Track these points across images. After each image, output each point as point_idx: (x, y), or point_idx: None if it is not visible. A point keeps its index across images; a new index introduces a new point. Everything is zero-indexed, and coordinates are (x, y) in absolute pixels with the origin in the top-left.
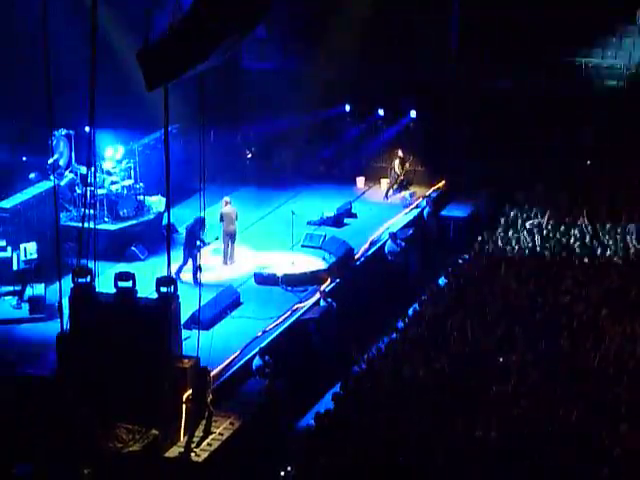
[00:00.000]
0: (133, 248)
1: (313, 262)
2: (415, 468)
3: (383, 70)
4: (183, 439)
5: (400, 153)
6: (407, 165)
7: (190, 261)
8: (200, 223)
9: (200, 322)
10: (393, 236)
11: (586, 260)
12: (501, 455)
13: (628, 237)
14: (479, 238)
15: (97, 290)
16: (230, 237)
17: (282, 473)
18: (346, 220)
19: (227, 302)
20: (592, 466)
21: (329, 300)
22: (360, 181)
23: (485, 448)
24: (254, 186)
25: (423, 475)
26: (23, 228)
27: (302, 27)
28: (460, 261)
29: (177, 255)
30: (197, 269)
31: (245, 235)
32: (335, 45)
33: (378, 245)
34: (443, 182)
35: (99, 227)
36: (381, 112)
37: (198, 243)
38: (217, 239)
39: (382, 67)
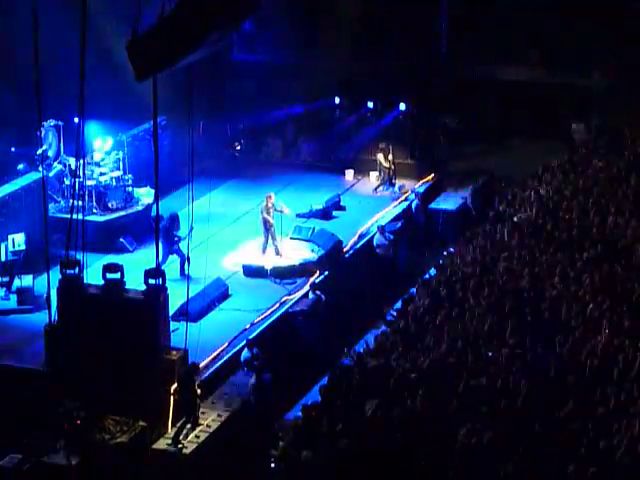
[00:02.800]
0: (121, 240)
1: (302, 254)
2: (402, 460)
3: (373, 62)
4: (171, 431)
5: (383, 146)
6: (390, 157)
7: (173, 256)
8: (174, 220)
9: (188, 314)
10: (381, 229)
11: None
12: (488, 449)
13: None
14: (467, 231)
15: (85, 281)
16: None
17: (272, 465)
18: (335, 213)
19: (215, 294)
20: (580, 466)
21: (318, 293)
22: (349, 174)
23: (474, 441)
24: (243, 178)
25: (410, 467)
26: (11, 219)
27: (293, 20)
28: (448, 254)
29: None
30: (184, 261)
31: (233, 228)
32: (325, 37)
33: (367, 238)
34: (432, 175)
35: (87, 218)
36: (371, 105)
37: (175, 239)
38: (192, 229)
39: (372, 59)
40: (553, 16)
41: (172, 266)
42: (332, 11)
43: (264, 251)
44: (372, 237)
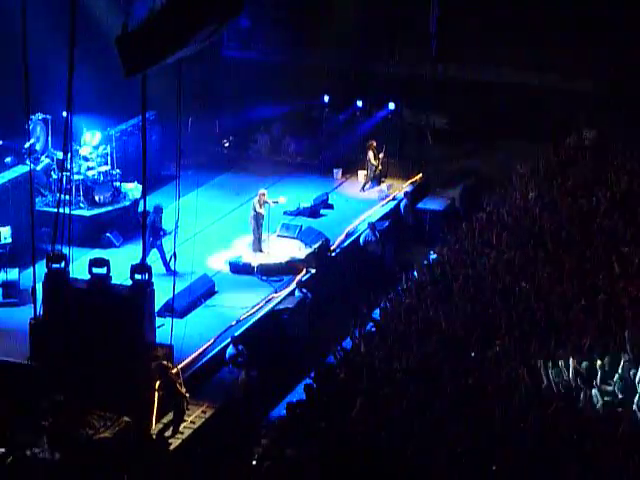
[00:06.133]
0: (108, 234)
1: (289, 252)
2: (386, 458)
3: (362, 61)
4: (155, 427)
5: (373, 143)
6: (381, 155)
7: (154, 251)
8: (158, 212)
9: (174, 310)
10: (372, 226)
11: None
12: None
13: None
14: (454, 231)
15: (71, 276)
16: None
17: (254, 462)
18: (322, 211)
19: (201, 290)
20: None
21: (304, 291)
22: (337, 172)
23: (459, 438)
24: (231, 175)
25: (394, 465)
26: None
27: (283, 17)
28: (435, 254)
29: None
30: (171, 257)
31: (221, 224)
32: (315, 36)
33: (354, 237)
34: (420, 175)
35: (74, 213)
36: (360, 103)
37: (161, 233)
38: (177, 225)
39: (362, 58)
40: (543, 18)
41: (158, 262)
42: (322, 10)
43: (256, 249)
44: (359, 235)
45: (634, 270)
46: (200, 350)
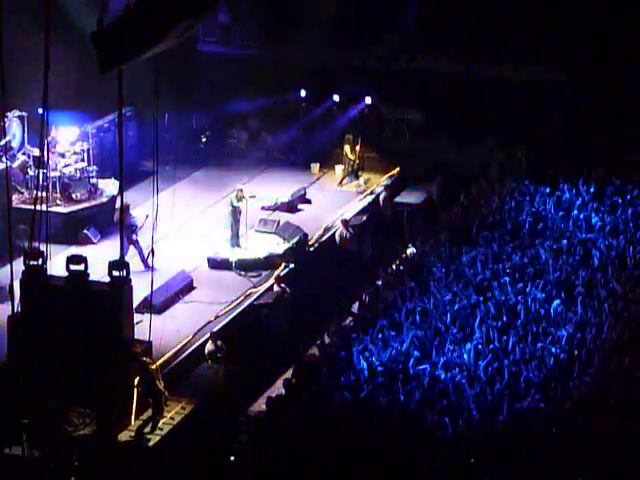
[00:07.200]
0: (86, 231)
1: (267, 247)
2: (366, 454)
3: (339, 56)
4: (134, 423)
5: (350, 138)
6: (357, 149)
7: (131, 248)
8: (127, 209)
9: (152, 306)
10: (345, 222)
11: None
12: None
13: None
14: (432, 225)
15: (49, 273)
16: None
17: (232, 458)
18: (300, 206)
19: (180, 286)
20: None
21: (282, 285)
22: (315, 167)
23: (439, 435)
24: (208, 170)
25: (374, 461)
26: None
27: (259, 13)
28: (412, 247)
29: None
30: (149, 253)
31: (199, 220)
32: (292, 31)
33: (332, 231)
34: (397, 169)
35: (51, 210)
36: (336, 98)
37: (133, 228)
38: (147, 217)
39: (338, 53)
40: (519, 14)
41: (136, 258)
42: (300, 5)
43: (234, 244)
44: (335, 232)
45: None
46: (179, 346)
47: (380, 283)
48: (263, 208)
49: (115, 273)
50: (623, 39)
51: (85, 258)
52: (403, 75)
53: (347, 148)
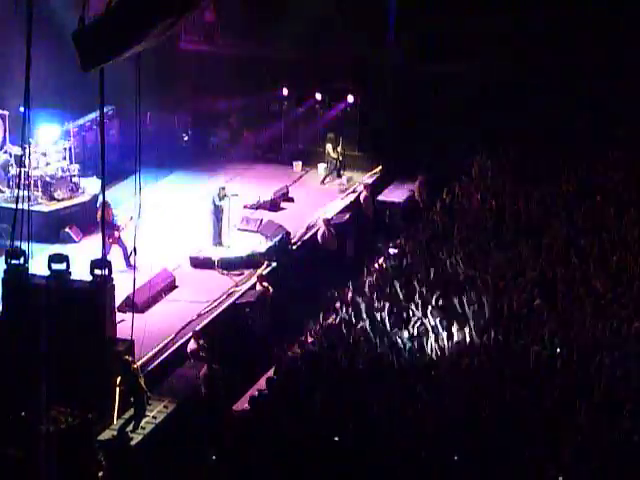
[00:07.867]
0: (67, 230)
1: (249, 245)
2: (350, 453)
3: (321, 54)
4: (116, 422)
5: (332, 136)
6: (339, 148)
7: (114, 247)
8: (107, 207)
9: (134, 305)
10: (326, 222)
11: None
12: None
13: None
14: (415, 223)
15: (30, 272)
16: None
17: (214, 457)
18: (283, 204)
19: (162, 285)
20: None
21: (265, 284)
22: (297, 165)
23: (423, 431)
24: (190, 169)
25: (358, 459)
26: None
27: (241, 11)
28: (394, 246)
29: None
30: (131, 252)
31: (181, 218)
32: (274, 30)
33: (315, 230)
34: (380, 167)
35: (33, 208)
36: (319, 96)
37: (115, 227)
38: (132, 219)
39: (320, 51)
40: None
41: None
42: (283, 3)
43: (217, 243)
44: (317, 231)
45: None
46: (161, 345)
47: (363, 282)
48: (246, 206)
49: (97, 272)
50: (606, 37)
51: (67, 257)
52: (385, 73)
53: (329, 147)
